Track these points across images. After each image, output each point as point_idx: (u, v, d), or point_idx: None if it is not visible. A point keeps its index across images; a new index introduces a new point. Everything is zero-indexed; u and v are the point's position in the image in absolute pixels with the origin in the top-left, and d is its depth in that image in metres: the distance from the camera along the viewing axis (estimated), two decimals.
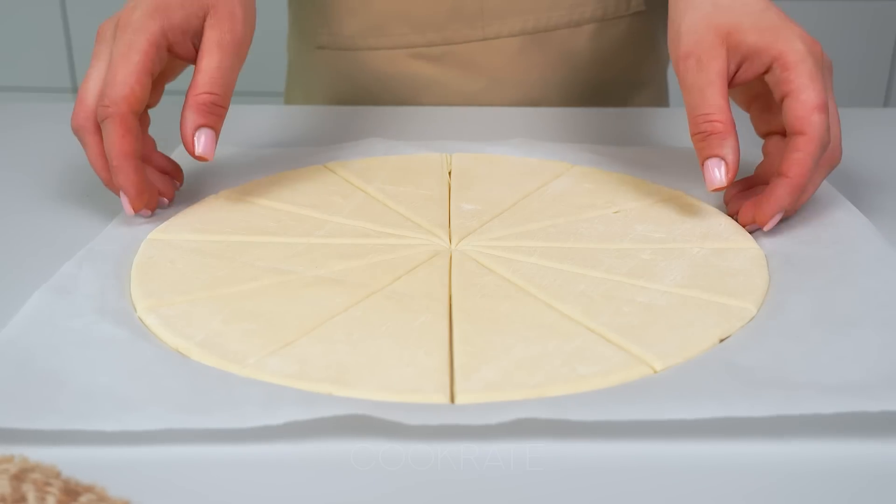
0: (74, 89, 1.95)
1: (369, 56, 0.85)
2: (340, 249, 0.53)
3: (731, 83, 0.54)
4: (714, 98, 0.53)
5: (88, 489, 0.32)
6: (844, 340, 0.43)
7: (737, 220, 0.56)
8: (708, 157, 0.53)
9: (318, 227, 0.56)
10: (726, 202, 0.58)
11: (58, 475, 0.32)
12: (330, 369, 0.41)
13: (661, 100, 0.93)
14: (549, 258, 0.52)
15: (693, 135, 0.54)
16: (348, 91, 0.87)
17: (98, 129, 0.54)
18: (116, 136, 0.52)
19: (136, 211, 0.55)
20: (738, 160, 0.53)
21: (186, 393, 0.39)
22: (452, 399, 0.40)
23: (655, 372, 0.42)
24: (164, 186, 0.58)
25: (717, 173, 0.53)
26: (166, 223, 0.56)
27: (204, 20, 0.56)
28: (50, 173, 0.65)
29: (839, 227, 0.54)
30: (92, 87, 0.54)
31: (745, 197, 0.57)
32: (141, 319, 0.46)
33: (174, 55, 0.56)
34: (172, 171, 0.60)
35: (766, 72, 0.53)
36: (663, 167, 0.65)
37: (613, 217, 0.57)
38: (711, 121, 0.53)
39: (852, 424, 0.39)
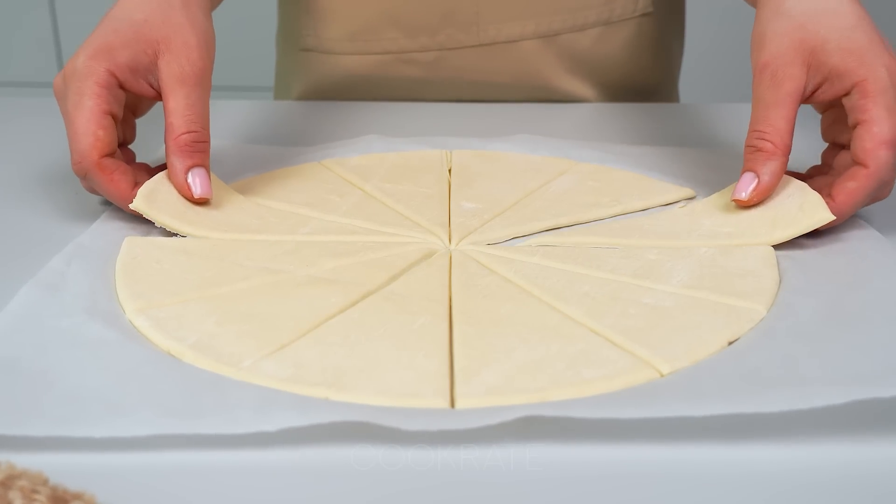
0: None
1: (357, 61, 0.83)
2: (330, 247, 0.53)
3: (809, 100, 0.55)
4: (776, 119, 0.53)
5: (77, 496, 0.32)
6: (855, 335, 0.43)
7: None
8: (748, 170, 0.54)
9: (302, 223, 0.56)
10: None
11: (45, 482, 0.32)
12: (326, 373, 0.41)
13: None
14: (551, 258, 0.52)
15: (746, 146, 0.55)
16: (334, 97, 0.86)
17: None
18: (105, 183, 0.54)
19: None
20: (775, 185, 0.54)
21: (178, 397, 0.39)
22: (452, 403, 0.40)
23: (662, 375, 0.42)
24: None
25: (747, 187, 0.54)
26: (148, 191, 0.55)
27: (155, 58, 0.55)
28: (37, 168, 0.65)
29: (850, 240, 0.54)
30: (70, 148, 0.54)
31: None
32: (131, 321, 0.46)
33: (130, 92, 0.56)
34: None
35: (846, 94, 0.53)
36: (671, 166, 0.65)
37: (623, 216, 0.58)
38: (764, 139, 0.53)
39: (866, 419, 0.39)
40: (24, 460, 0.34)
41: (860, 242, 0.53)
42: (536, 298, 0.48)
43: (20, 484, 0.31)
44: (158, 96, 0.56)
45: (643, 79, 0.87)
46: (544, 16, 0.81)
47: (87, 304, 0.46)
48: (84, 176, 0.54)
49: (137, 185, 0.54)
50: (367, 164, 0.65)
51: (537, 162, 0.66)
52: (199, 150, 0.55)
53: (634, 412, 0.38)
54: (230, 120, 0.76)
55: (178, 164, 0.55)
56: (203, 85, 0.56)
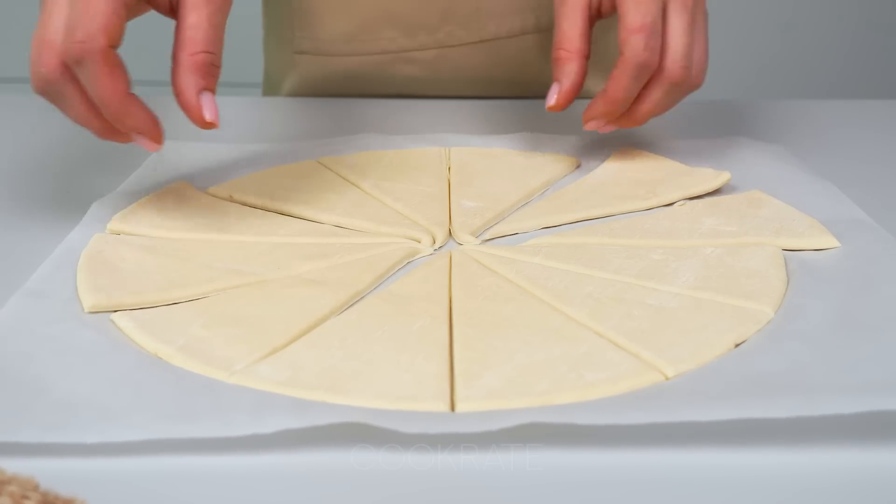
0: None
1: (354, 62, 0.83)
2: (305, 249, 0.53)
3: (602, 15, 0.62)
4: (567, 29, 0.60)
5: (68, 502, 0.32)
6: (866, 344, 0.43)
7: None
8: (554, 82, 0.60)
9: (283, 225, 0.56)
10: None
11: (36, 488, 0.32)
12: (323, 376, 0.41)
13: None
14: (554, 258, 0.52)
15: (551, 62, 0.61)
16: (330, 96, 0.85)
17: (75, 75, 0.49)
18: (104, 75, 0.48)
19: (161, 144, 0.51)
20: (577, 85, 0.60)
21: (171, 401, 0.39)
22: (453, 407, 0.40)
23: (667, 379, 0.42)
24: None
25: (554, 93, 0.60)
26: (124, 213, 0.56)
27: None
28: (23, 166, 0.65)
29: (860, 242, 0.54)
30: (61, 30, 0.48)
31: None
32: (114, 322, 0.46)
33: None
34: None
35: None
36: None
37: (624, 215, 0.58)
38: (560, 48, 0.60)
39: (874, 426, 0.39)
40: (15, 465, 0.34)
41: (869, 244, 0.53)
42: (538, 300, 0.48)
43: (10, 489, 0.31)
44: (170, 12, 0.52)
45: None
46: (545, 9, 0.81)
47: (78, 310, 0.46)
48: (78, 62, 0.48)
49: (132, 94, 0.49)
50: (364, 161, 0.65)
51: (538, 159, 0.66)
52: (212, 75, 0.51)
53: (638, 417, 0.38)
54: (222, 117, 0.76)
55: (190, 82, 0.50)
56: (226, 10, 0.51)
